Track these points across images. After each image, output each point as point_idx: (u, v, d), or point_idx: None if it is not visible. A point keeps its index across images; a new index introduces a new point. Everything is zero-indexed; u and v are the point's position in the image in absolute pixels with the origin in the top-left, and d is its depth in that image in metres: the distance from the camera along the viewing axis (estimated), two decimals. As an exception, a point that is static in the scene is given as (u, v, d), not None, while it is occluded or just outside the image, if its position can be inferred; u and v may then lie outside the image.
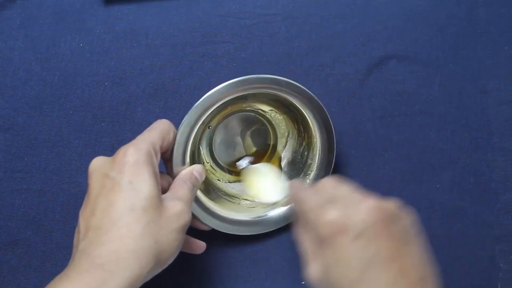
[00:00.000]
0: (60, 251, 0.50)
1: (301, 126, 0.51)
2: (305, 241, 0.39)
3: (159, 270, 0.38)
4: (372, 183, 0.52)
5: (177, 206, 0.39)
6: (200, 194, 0.48)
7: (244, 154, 0.53)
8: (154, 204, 0.37)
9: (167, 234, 0.37)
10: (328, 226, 0.35)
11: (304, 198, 0.39)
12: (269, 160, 0.53)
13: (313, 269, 0.37)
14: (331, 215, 0.35)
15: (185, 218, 0.39)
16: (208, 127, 0.50)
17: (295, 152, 0.53)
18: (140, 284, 0.36)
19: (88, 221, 0.37)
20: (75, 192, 0.51)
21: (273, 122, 0.52)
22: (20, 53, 0.52)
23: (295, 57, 0.53)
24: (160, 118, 0.51)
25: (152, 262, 0.36)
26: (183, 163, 0.45)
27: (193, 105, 0.44)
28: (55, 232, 0.50)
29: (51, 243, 0.50)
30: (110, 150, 0.51)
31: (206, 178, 0.50)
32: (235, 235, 0.49)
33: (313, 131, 0.49)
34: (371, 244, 0.34)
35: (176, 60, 0.53)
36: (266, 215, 0.50)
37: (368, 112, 0.53)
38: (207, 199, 0.48)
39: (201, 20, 0.53)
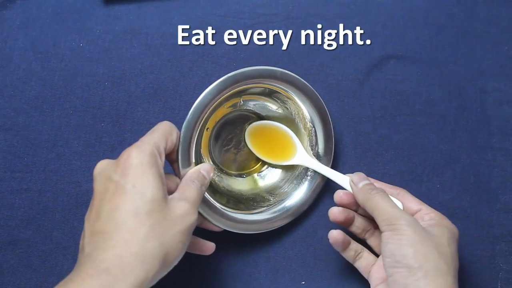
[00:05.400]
0: (60, 251, 0.50)
1: (296, 117, 0.51)
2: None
3: (165, 273, 0.38)
4: (372, 183, 0.52)
5: (182, 208, 0.39)
6: (207, 195, 0.48)
7: (241, 154, 0.53)
8: (158, 206, 0.37)
9: (172, 236, 0.37)
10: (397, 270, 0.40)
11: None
12: None
13: None
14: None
15: (191, 220, 0.39)
16: (206, 130, 0.50)
17: None
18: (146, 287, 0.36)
19: (93, 225, 0.37)
20: (75, 192, 0.51)
21: (266, 117, 0.52)
22: (20, 53, 0.52)
23: (295, 57, 0.53)
24: (160, 118, 0.52)
25: (158, 265, 0.36)
26: (189, 163, 0.45)
27: (193, 104, 0.44)
28: (55, 232, 0.50)
29: (51, 243, 0.50)
30: (110, 150, 0.51)
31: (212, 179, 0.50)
32: (237, 235, 0.49)
33: (308, 121, 0.50)
34: (433, 281, 0.39)
35: (176, 60, 0.53)
36: (275, 212, 0.50)
37: (368, 112, 0.53)
38: (215, 200, 0.48)
39: (201, 20, 0.53)
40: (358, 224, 0.47)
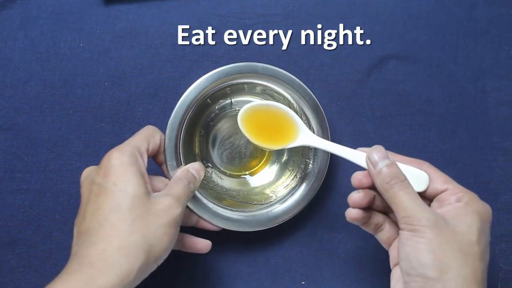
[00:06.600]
0: (60, 251, 0.50)
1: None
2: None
3: (154, 266, 0.39)
4: (372, 183, 0.52)
5: (165, 202, 0.40)
6: (206, 196, 0.48)
7: (241, 154, 0.53)
8: (140, 202, 0.38)
9: (156, 229, 0.38)
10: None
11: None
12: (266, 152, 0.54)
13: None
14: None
15: (174, 213, 0.40)
16: (200, 133, 0.50)
17: None
18: (134, 280, 0.37)
19: (79, 227, 0.38)
20: (75, 192, 0.51)
21: None
22: (20, 53, 0.52)
23: (295, 57, 0.53)
24: (160, 118, 0.52)
25: (142, 257, 0.37)
26: (178, 164, 0.46)
27: None
28: (55, 232, 0.50)
29: (51, 243, 0.50)
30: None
31: (209, 181, 0.50)
32: (237, 235, 0.49)
33: (301, 114, 0.50)
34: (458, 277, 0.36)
35: (176, 60, 0.53)
36: (275, 210, 0.50)
37: (368, 112, 0.53)
38: (214, 200, 0.49)
39: (201, 20, 0.53)
40: (378, 203, 0.43)
